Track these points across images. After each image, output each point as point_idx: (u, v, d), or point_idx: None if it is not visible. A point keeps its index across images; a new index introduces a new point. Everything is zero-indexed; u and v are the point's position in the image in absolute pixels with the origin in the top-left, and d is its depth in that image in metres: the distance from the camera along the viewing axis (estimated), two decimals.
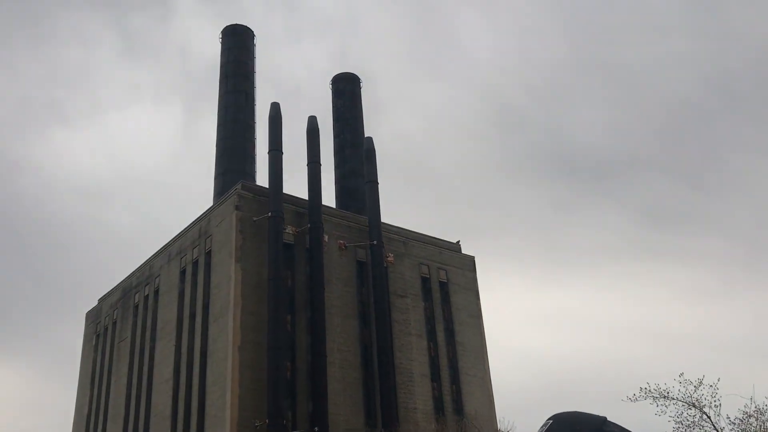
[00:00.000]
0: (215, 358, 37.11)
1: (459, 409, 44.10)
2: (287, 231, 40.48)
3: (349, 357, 40.37)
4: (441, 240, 49.84)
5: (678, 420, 21.10)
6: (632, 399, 21.64)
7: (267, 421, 34.43)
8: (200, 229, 42.58)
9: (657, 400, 21.21)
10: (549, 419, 1.39)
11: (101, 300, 54.36)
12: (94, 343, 52.59)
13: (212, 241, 40.79)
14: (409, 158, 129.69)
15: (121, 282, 51.20)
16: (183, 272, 43.06)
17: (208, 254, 41.01)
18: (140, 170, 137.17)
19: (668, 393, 20.87)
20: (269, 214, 39.43)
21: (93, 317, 54.20)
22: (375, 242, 43.52)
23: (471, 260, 50.66)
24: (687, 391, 20.85)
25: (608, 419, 1.45)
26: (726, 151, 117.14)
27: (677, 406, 20.97)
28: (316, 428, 35.79)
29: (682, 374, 21.06)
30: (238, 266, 37.94)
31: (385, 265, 43.46)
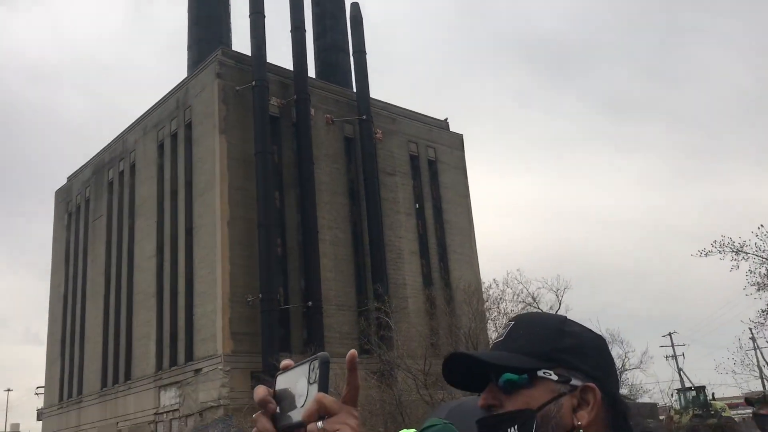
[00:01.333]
0: (202, 235, 35.67)
1: (447, 284, 43.95)
2: (272, 103, 38.15)
3: (339, 234, 39.35)
4: (429, 117, 48.04)
5: (753, 275, 20.19)
6: (702, 254, 20.64)
7: (260, 296, 33.57)
8: (177, 100, 39.91)
9: (729, 254, 20.20)
10: (510, 321, 1.36)
11: (71, 178, 51.83)
12: (66, 222, 50.52)
13: (192, 112, 38.30)
14: (371, 40, 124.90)
15: (92, 158, 48.60)
16: (161, 146, 40.72)
17: (188, 126, 38.63)
18: (89, 52, 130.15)
19: (743, 247, 19.98)
20: (253, 83, 36.90)
21: (63, 196, 51.82)
22: (364, 117, 41.53)
23: (459, 138, 49.21)
24: (765, 245, 19.74)
25: (568, 318, 1.37)
26: (687, 41, 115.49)
27: (753, 261, 20.03)
28: (309, 303, 35.15)
29: (761, 226, 19.79)
30: (223, 138, 35.82)
31: (373, 142, 41.72)
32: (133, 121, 44.44)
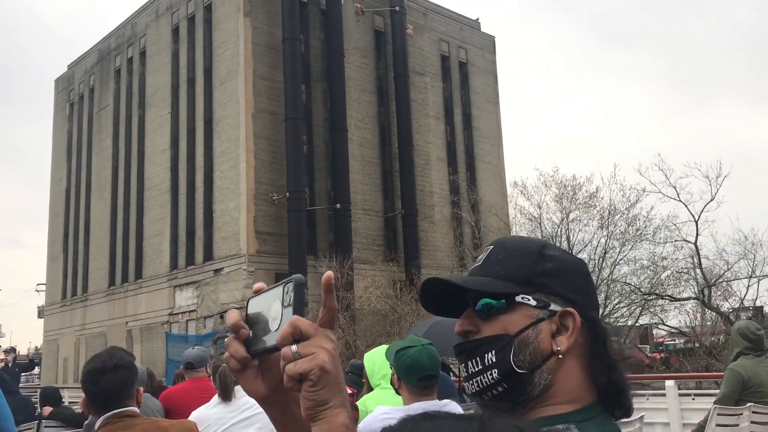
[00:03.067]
0: (223, 126, 32.97)
1: (474, 195, 41.87)
2: None
3: (367, 135, 36.79)
4: (460, 15, 44.68)
5: None
6: None
7: (287, 194, 31.28)
8: None
9: None
10: (489, 245, 1.36)
11: (72, 66, 48.32)
12: (67, 112, 47.37)
13: None
14: None
15: (97, 44, 45.03)
16: (176, 31, 37.36)
17: (208, 8, 35.24)
18: None
19: None
20: None
21: (64, 84, 48.44)
22: (396, 8, 38.21)
23: (491, 40, 46.03)
24: None
25: (549, 243, 1.36)
26: None
27: None
28: (337, 205, 32.95)
29: None
30: (248, 22, 32.61)
31: (405, 37, 38.56)
32: (143, 4, 40.79)
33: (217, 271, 32.09)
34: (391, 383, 3.64)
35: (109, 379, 2.65)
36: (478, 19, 46.09)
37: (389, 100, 38.31)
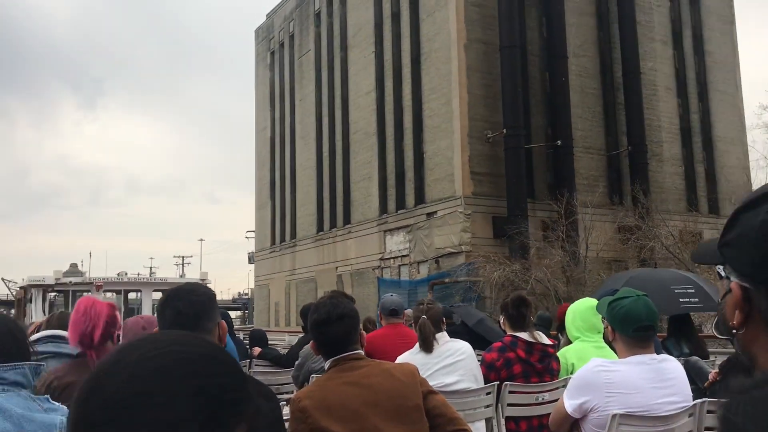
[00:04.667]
0: (433, 61, 30.93)
1: (707, 130, 36.79)
2: None
3: (587, 63, 33.07)
4: None
5: None
6: None
7: (504, 131, 28.75)
8: None
9: None
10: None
11: (270, 15, 48.69)
12: (268, 61, 47.96)
13: None
14: None
15: None
16: None
17: None
18: None
19: None
20: None
21: (264, 34, 49.04)
22: None
23: None
24: None
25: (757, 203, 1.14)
26: None
27: None
28: (558, 142, 29.89)
29: None
30: None
31: None
32: None
33: (430, 214, 30.53)
34: (604, 337, 3.94)
35: (336, 328, 2.78)
36: None
37: (610, 23, 34.16)
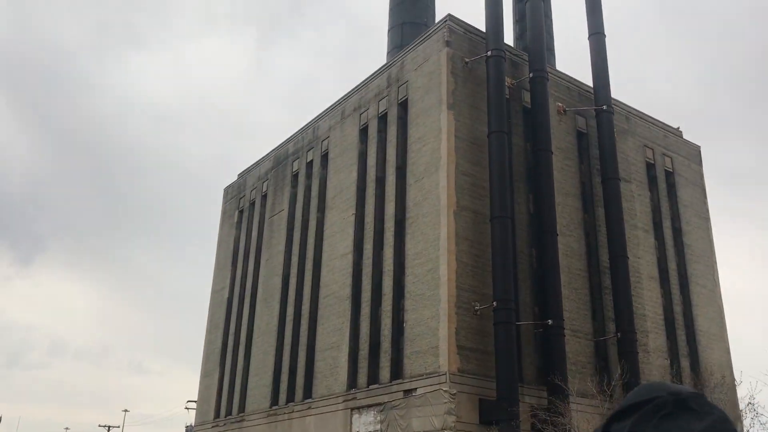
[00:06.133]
0: (419, 225, 29.45)
1: (689, 323, 35.53)
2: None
3: (572, 243, 32.13)
4: (662, 122, 40.39)
5: None
6: None
7: (494, 304, 26.70)
8: (389, 78, 34.53)
9: None
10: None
11: (242, 174, 47.76)
12: (236, 219, 46.17)
13: (409, 88, 32.69)
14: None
15: (272, 151, 44.19)
16: (363, 130, 35.35)
17: (402, 105, 33.03)
18: (212, 99, 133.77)
19: None
20: (488, 53, 30.92)
21: (234, 192, 47.72)
22: (604, 107, 34.54)
23: (696, 150, 41.16)
24: None
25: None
26: None
27: None
28: (549, 321, 27.88)
29: None
30: (451, 115, 29.79)
31: (613, 138, 34.52)
32: (326, 108, 39.61)
33: (408, 391, 27.37)
34: None
35: None
36: (679, 128, 41.59)
37: (595, 206, 33.81)
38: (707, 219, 39.36)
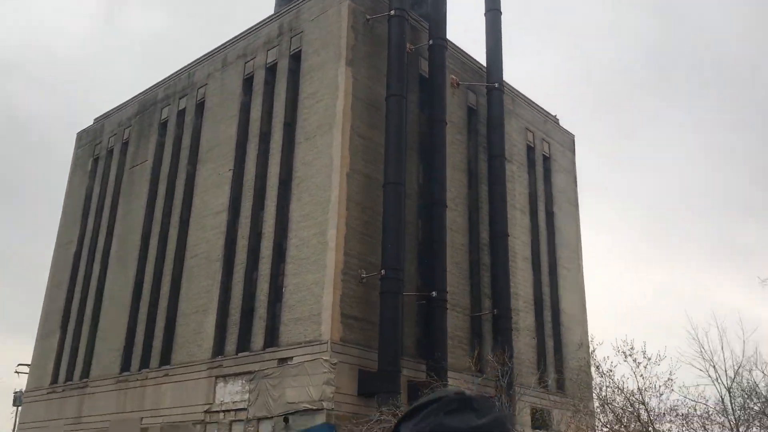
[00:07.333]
0: (307, 187, 27.61)
1: (555, 304, 36.56)
2: None
3: (457, 218, 31.73)
4: (543, 108, 41.17)
5: None
6: None
7: (383, 272, 25.56)
8: (280, 27, 32.16)
9: None
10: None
11: (99, 119, 43.18)
12: (89, 168, 41.67)
13: (303, 40, 30.58)
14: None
15: (138, 95, 40.16)
16: (248, 80, 32.76)
17: (295, 57, 30.87)
18: (54, 50, 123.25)
19: None
20: (391, 12, 29.53)
21: (89, 138, 43.03)
22: (496, 85, 34.38)
23: (571, 139, 42.42)
24: None
25: None
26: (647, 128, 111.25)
27: None
28: (433, 293, 27.21)
29: None
30: (349, 71, 28.13)
31: (502, 118, 34.49)
32: (205, 53, 36.42)
33: (283, 360, 25.60)
34: None
35: None
36: (556, 116, 42.66)
37: (479, 183, 33.65)
38: (576, 206, 40.70)
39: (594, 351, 24.92)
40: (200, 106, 35.02)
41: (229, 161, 31.63)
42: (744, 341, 19.52)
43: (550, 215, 38.21)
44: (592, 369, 24.85)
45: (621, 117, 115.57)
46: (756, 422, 18.57)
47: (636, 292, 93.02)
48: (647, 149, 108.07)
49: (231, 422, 26.66)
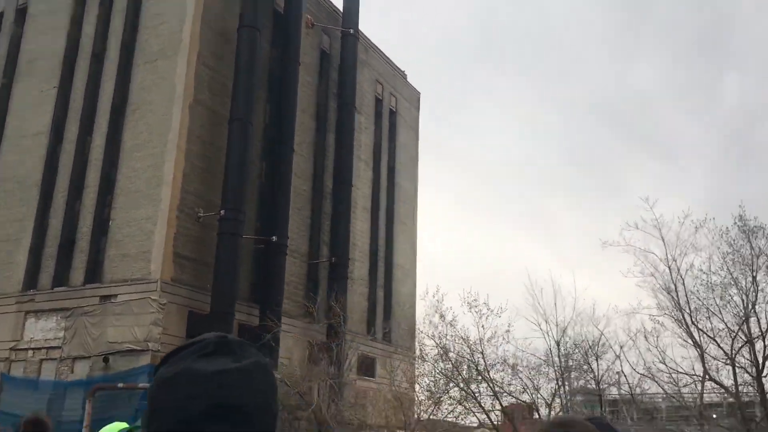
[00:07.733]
0: (143, 114, 25.54)
1: (389, 257, 37.32)
2: None
3: (302, 163, 31.08)
4: (393, 62, 41.24)
5: None
6: None
7: (222, 213, 24.45)
8: None
9: None
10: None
11: None
12: None
13: None
14: None
15: None
16: None
17: None
18: None
19: None
20: None
21: None
22: (351, 31, 33.77)
23: (417, 96, 42.98)
24: None
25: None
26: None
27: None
28: (274, 238, 26.55)
29: None
30: None
31: (355, 66, 34.06)
32: None
33: (106, 297, 23.84)
34: None
35: None
36: (404, 72, 42.96)
37: (327, 130, 33.15)
38: (416, 163, 41.53)
39: (441, 300, 25.44)
40: (22, 12, 31.11)
41: (55, 77, 28.49)
42: (575, 299, 21.20)
43: (391, 170, 38.64)
44: (437, 317, 25.58)
45: (461, 84, 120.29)
46: (575, 372, 20.25)
47: (452, 251, 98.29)
48: (480, 117, 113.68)
49: (41, 360, 24.54)
